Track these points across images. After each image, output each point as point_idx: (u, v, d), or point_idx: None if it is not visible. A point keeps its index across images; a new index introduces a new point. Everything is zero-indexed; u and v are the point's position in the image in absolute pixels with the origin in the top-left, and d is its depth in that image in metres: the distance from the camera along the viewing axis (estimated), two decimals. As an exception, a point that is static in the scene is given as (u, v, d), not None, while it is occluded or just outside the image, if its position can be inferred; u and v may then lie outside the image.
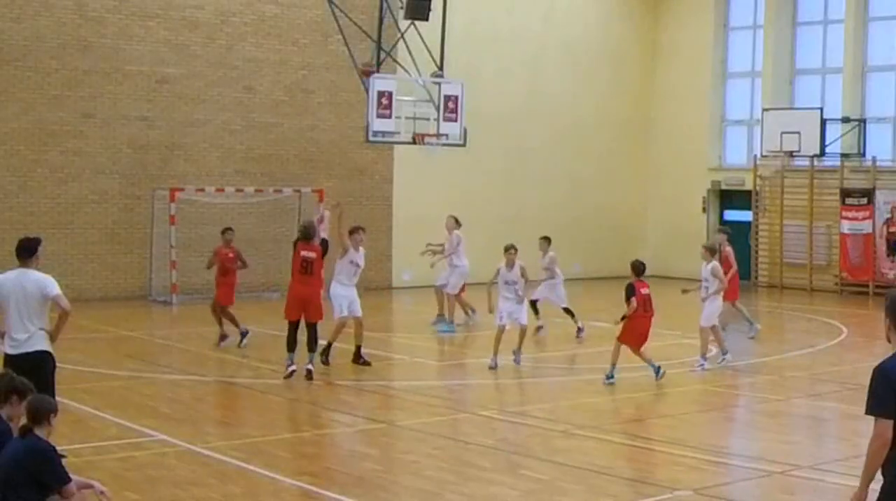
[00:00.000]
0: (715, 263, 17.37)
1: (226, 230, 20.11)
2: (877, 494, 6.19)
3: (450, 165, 27.97)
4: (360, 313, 17.21)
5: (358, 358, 17.21)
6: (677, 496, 10.14)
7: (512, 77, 31.67)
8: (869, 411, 6.06)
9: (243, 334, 19.00)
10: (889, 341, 6.25)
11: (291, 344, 16.03)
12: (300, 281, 16.25)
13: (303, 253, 16.30)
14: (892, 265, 29.10)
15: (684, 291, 18.21)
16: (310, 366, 15.89)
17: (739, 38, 33.47)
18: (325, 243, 16.91)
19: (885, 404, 5.98)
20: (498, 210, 31.23)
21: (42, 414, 7.70)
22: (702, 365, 16.95)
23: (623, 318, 15.88)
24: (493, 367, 16.99)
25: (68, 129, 25.73)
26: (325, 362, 16.91)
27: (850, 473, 11.11)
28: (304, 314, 16.13)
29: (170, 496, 10.12)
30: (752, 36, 32.92)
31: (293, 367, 15.90)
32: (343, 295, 17.17)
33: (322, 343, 16.62)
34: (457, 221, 22.31)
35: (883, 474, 6.14)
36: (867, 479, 6.12)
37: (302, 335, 16.16)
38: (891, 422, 5.98)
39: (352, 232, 17.33)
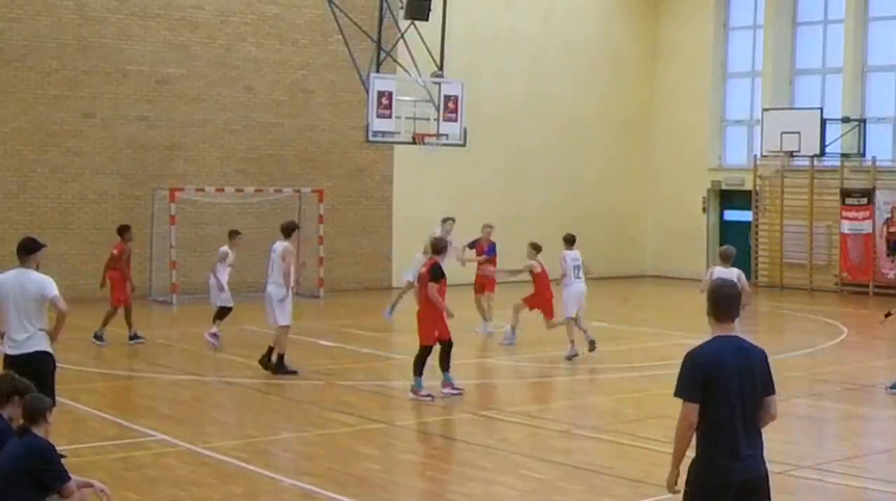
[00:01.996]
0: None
1: (129, 228, 19.84)
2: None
3: (450, 165, 27.97)
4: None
5: (269, 361, 16.49)
6: (677, 496, 10.11)
7: (512, 77, 31.67)
8: (677, 394, 6.45)
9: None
10: (711, 326, 6.66)
11: (416, 368, 14.66)
12: (417, 300, 14.95)
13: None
14: (892, 265, 29.09)
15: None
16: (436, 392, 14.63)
17: (739, 38, 33.46)
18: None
19: (692, 389, 6.38)
20: (498, 210, 31.12)
21: (38, 412, 7.69)
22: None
23: (888, 315, 16.16)
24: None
25: (68, 129, 25.73)
26: (291, 372, 16.30)
27: (851, 473, 11.15)
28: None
29: (170, 496, 10.12)
30: (752, 36, 32.91)
31: (423, 391, 14.66)
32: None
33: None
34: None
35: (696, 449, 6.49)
36: (677, 460, 6.48)
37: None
38: (696, 406, 6.36)
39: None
